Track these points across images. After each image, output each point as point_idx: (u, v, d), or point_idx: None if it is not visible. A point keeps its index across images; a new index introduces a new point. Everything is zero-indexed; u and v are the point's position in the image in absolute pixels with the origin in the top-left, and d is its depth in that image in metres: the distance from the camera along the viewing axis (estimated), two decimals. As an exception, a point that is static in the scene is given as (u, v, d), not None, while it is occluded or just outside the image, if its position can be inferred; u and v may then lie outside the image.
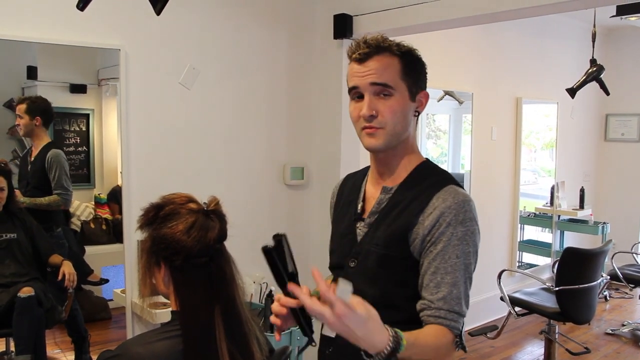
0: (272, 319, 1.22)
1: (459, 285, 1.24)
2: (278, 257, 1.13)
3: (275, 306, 1.18)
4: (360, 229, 1.38)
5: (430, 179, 1.33)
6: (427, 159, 1.42)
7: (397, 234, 1.29)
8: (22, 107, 2.76)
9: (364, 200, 1.42)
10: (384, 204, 1.35)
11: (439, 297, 1.24)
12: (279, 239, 1.14)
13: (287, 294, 1.13)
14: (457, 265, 1.24)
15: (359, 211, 1.40)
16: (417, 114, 1.36)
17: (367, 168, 1.49)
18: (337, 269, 1.45)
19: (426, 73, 1.38)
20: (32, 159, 2.83)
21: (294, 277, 1.16)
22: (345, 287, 0.99)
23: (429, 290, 1.25)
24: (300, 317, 1.17)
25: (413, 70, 1.33)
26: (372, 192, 1.41)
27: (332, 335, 1.03)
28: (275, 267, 1.13)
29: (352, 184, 1.50)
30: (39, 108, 2.79)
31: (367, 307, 1.02)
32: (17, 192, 2.77)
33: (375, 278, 1.32)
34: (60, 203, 2.87)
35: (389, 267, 1.31)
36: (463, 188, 1.32)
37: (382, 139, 1.31)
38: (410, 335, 1.12)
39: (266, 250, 1.12)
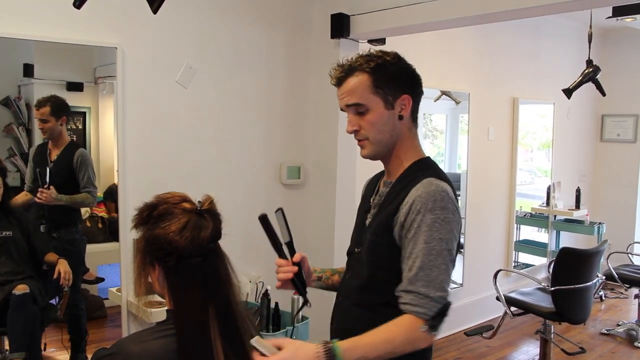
0: (276, 284, 1.51)
1: (426, 269, 1.33)
2: (273, 225, 1.39)
3: (279, 274, 1.50)
4: (368, 219, 1.53)
5: (418, 173, 1.44)
6: (427, 157, 1.53)
7: (383, 222, 1.43)
8: (45, 111, 2.76)
9: (376, 194, 1.56)
10: (383, 196, 1.50)
11: (408, 278, 1.35)
12: (276, 211, 1.43)
13: (282, 257, 1.47)
14: (425, 250, 1.33)
15: (370, 204, 1.55)
16: (401, 117, 1.46)
17: None
18: (348, 255, 1.63)
19: (408, 75, 1.47)
20: (55, 158, 2.83)
21: (290, 245, 1.48)
22: (258, 344, 1.21)
23: (404, 273, 1.37)
24: (296, 281, 1.47)
25: (386, 81, 1.43)
26: (382, 188, 1.56)
27: None
28: (271, 234, 1.41)
29: (375, 181, 1.65)
30: (63, 107, 2.82)
31: (285, 344, 1.24)
32: (52, 189, 2.73)
33: (367, 263, 1.47)
34: (91, 201, 2.92)
35: (376, 252, 1.45)
36: (446, 181, 1.41)
37: (369, 148, 1.48)
38: (349, 340, 1.28)
39: (262, 218, 1.37)
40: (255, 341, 1.23)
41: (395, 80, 1.44)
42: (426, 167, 1.47)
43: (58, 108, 2.79)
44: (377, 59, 1.44)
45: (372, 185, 1.63)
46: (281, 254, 1.48)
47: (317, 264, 1.75)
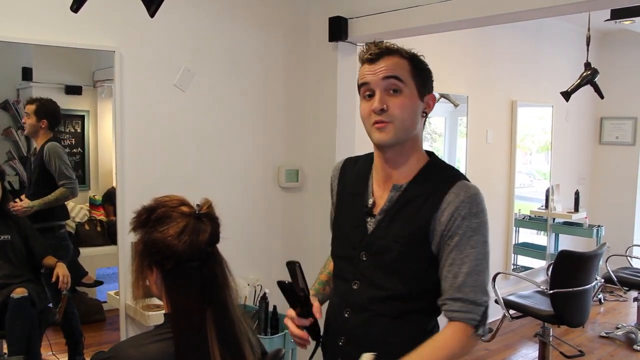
0: (294, 339, 1.42)
1: (473, 274, 1.32)
2: (292, 288, 1.32)
3: (292, 328, 1.39)
4: (370, 224, 1.43)
5: (441, 174, 1.41)
6: (431, 153, 1.50)
7: (418, 231, 1.35)
8: (31, 107, 2.77)
9: (374, 196, 1.47)
10: (394, 201, 1.41)
11: (456, 286, 1.32)
12: (292, 267, 1.33)
13: (301, 314, 1.37)
14: (472, 255, 1.32)
15: (369, 206, 1.45)
16: (424, 114, 1.43)
17: (368, 158, 1.53)
18: (344, 258, 1.51)
19: (432, 80, 1.45)
20: (33, 158, 2.83)
21: (307, 299, 1.37)
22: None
23: (447, 281, 1.34)
24: (313, 330, 1.40)
25: (421, 72, 1.41)
26: (380, 193, 1.46)
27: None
28: (292, 297, 1.35)
29: (356, 174, 1.54)
30: (47, 111, 2.80)
31: None
32: (24, 199, 2.74)
33: (395, 272, 1.39)
34: (67, 194, 2.87)
35: (411, 262, 1.38)
36: (469, 181, 1.40)
37: (391, 133, 1.37)
38: (411, 355, 1.28)
39: (283, 287, 1.32)
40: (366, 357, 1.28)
41: (426, 76, 1.43)
42: (445, 167, 1.46)
43: (42, 110, 2.78)
44: (410, 51, 1.42)
45: (359, 181, 1.51)
46: (298, 308, 1.38)
47: (314, 267, 1.73)
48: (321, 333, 1.45)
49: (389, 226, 1.40)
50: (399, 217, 1.39)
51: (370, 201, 1.45)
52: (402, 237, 1.37)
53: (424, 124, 1.48)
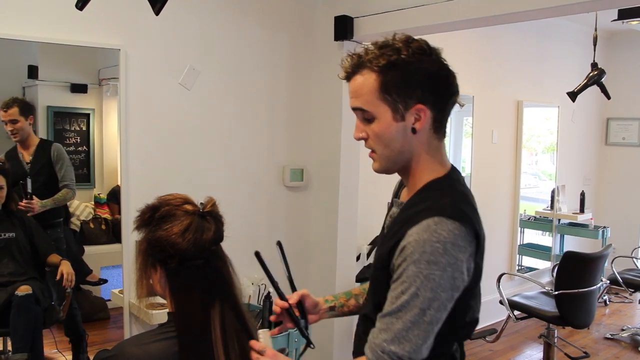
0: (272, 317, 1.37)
1: (393, 321, 1.14)
2: (264, 265, 1.32)
3: (275, 307, 1.37)
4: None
5: (424, 203, 1.20)
6: (443, 176, 1.26)
7: (384, 256, 1.22)
8: (14, 111, 2.71)
9: (390, 210, 1.39)
10: (391, 221, 1.32)
11: (376, 324, 1.18)
12: (276, 244, 1.37)
13: (280, 295, 1.33)
14: (400, 300, 1.14)
15: (388, 219, 1.37)
16: (414, 131, 1.21)
17: None
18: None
19: (429, 78, 1.20)
20: (31, 158, 2.82)
21: (290, 280, 1.37)
22: (263, 335, 1.30)
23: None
24: (292, 312, 1.38)
25: (396, 85, 1.18)
26: (394, 207, 1.38)
27: None
28: (267, 271, 1.33)
29: (399, 183, 1.44)
30: (29, 107, 2.78)
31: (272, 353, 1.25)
32: (36, 199, 2.75)
33: (370, 294, 1.32)
34: (72, 195, 2.90)
35: (377, 287, 1.25)
36: (458, 218, 1.15)
37: (377, 163, 1.27)
38: None
39: (256, 254, 1.31)
40: (262, 332, 1.29)
41: (409, 85, 1.18)
42: (435, 195, 1.21)
43: (25, 107, 2.75)
44: (392, 54, 1.18)
45: (395, 193, 1.43)
46: (278, 293, 1.36)
47: (319, 268, 1.72)
48: (305, 328, 1.41)
49: (379, 248, 1.31)
50: (384, 239, 1.29)
51: (388, 213, 1.39)
52: (376, 259, 1.27)
53: (435, 134, 1.25)
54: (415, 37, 1.23)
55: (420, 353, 1.14)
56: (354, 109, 1.24)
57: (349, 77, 1.24)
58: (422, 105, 1.19)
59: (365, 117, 1.22)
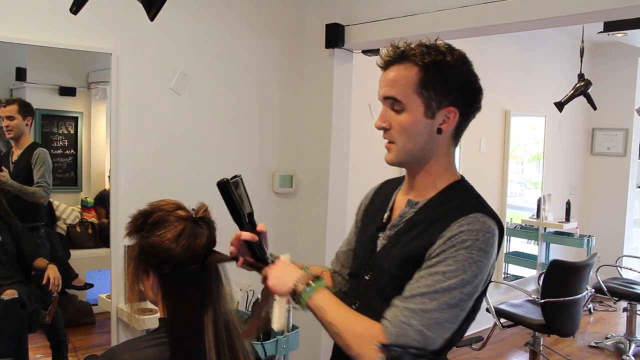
0: (230, 248, 1.31)
1: (426, 302, 1.12)
2: (234, 193, 1.23)
3: (233, 238, 1.30)
4: (381, 240, 1.33)
5: (458, 201, 1.24)
6: (462, 177, 1.34)
7: (412, 255, 1.20)
8: (13, 108, 2.73)
9: (391, 210, 1.37)
10: (406, 218, 1.30)
11: (402, 296, 1.16)
12: (235, 178, 1.25)
13: (243, 228, 1.29)
14: (439, 282, 1.12)
15: (384, 221, 1.35)
16: (439, 131, 1.25)
17: (404, 177, 1.42)
18: (352, 276, 1.42)
19: (466, 85, 1.28)
20: (16, 158, 2.81)
21: (251, 216, 1.31)
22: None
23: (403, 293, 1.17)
24: (255, 247, 1.33)
25: (436, 84, 1.23)
26: (400, 203, 1.35)
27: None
28: (232, 203, 1.24)
29: (385, 192, 1.45)
30: (30, 108, 2.78)
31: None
32: (5, 173, 2.70)
33: (387, 296, 1.22)
34: (42, 195, 2.83)
35: (400, 288, 1.19)
36: (492, 215, 1.21)
37: (393, 154, 1.28)
38: (327, 294, 1.21)
39: (222, 184, 1.19)
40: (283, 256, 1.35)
41: (447, 87, 1.24)
42: (466, 195, 1.28)
43: (25, 107, 2.76)
44: (437, 54, 1.23)
45: (385, 198, 1.41)
46: (243, 226, 1.30)
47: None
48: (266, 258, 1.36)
49: (393, 246, 1.28)
50: (403, 239, 1.26)
51: (386, 215, 1.36)
52: (396, 259, 1.24)
53: (453, 140, 1.31)
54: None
55: (439, 341, 1.14)
56: (385, 98, 1.27)
57: (387, 65, 1.27)
58: (454, 107, 1.25)
59: (395, 107, 1.25)
